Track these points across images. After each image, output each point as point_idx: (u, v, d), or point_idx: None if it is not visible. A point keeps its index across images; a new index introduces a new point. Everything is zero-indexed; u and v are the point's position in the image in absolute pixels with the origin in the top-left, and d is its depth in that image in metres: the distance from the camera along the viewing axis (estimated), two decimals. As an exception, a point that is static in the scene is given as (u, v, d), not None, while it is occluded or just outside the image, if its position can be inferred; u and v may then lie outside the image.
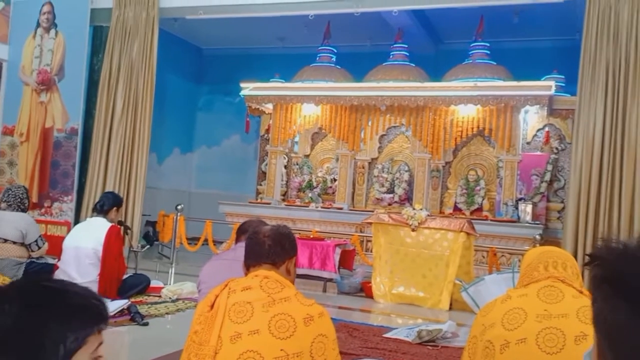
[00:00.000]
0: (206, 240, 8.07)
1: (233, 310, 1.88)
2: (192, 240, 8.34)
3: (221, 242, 8.76)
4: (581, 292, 1.99)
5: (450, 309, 6.05)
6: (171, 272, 7.04)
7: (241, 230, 3.07)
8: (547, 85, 8.05)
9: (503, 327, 1.93)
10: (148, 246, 9.19)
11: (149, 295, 5.69)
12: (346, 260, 7.25)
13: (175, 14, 8.70)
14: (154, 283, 6.00)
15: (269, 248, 2.06)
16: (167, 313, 5.13)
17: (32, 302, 1.03)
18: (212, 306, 1.93)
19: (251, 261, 2.08)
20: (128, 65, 8.39)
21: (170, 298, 5.61)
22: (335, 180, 9.67)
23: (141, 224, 8.81)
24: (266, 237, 2.09)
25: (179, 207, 7.74)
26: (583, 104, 6.46)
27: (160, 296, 5.67)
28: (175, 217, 7.79)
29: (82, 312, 1.07)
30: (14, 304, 1.02)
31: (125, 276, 5.57)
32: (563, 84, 8.60)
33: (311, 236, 7.61)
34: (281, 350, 1.80)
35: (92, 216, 5.36)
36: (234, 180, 11.63)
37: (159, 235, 9.12)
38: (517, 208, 8.10)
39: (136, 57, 8.37)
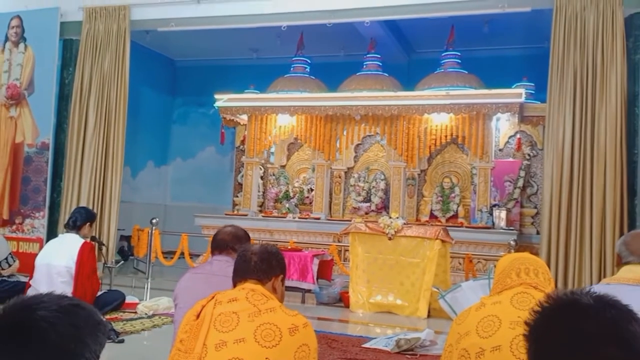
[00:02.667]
0: (182, 253, 7.98)
1: (219, 320, 1.92)
2: (168, 254, 8.24)
3: (198, 255, 8.68)
4: (553, 298, 2.02)
5: (429, 316, 6.08)
6: (147, 287, 6.93)
7: (215, 243, 3.04)
8: (518, 93, 8.19)
9: (478, 335, 1.95)
10: (123, 261, 9.05)
11: (124, 312, 5.61)
12: (324, 270, 7.24)
13: (146, 26, 8.64)
14: (129, 299, 5.91)
15: (255, 265, 2.11)
16: (143, 329, 5.05)
17: (74, 321, 1.10)
18: (198, 316, 1.96)
19: (238, 277, 2.13)
20: (100, 79, 8.30)
21: (146, 314, 5.53)
22: (312, 190, 9.67)
23: (116, 239, 8.68)
24: (253, 254, 2.14)
25: (153, 220, 7.64)
26: (552, 111, 6.59)
27: (135, 312, 5.59)
28: (150, 231, 7.68)
29: (103, 327, 1.17)
30: (58, 322, 1.08)
31: (99, 293, 5.48)
32: (533, 92, 8.77)
33: (289, 247, 7.58)
34: (266, 358, 1.84)
35: (64, 232, 5.26)
36: (209, 193, 11.55)
37: (134, 250, 8.98)
38: (491, 214, 8.20)
39: (108, 70, 8.28)
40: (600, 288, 2.63)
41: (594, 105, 6.42)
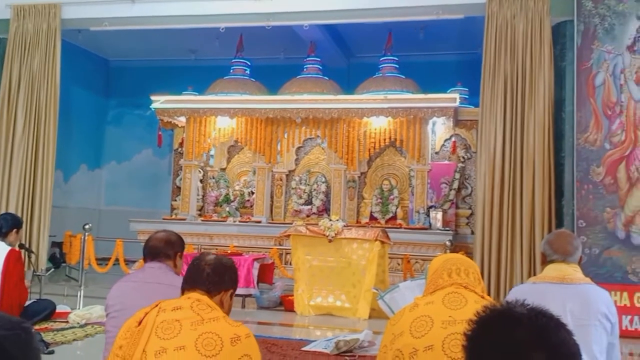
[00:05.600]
0: (117, 260, 7.74)
1: (161, 327, 1.90)
2: (103, 260, 7.98)
3: (134, 262, 8.43)
4: (482, 297, 2.09)
5: (369, 317, 6.14)
6: (80, 295, 6.67)
7: (147, 250, 2.94)
8: (452, 98, 8.45)
9: (411, 335, 1.99)
10: (54, 269, 8.68)
11: (55, 322, 5.40)
12: (265, 274, 7.21)
13: (78, 25, 8.35)
14: (60, 308, 5.69)
15: (207, 276, 2.09)
16: (75, 339, 4.87)
17: (28, 337, 1.08)
18: (140, 323, 1.93)
19: (187, 285, 2.10)
20: (29, 79, 7.95)
21: (78, 323, 5.34)
22: (252, 193, 9.60)
23: (47, 246, 8.32)
24: (207, 265, 2.12)
25: (86, 226, 7.37)
26: (484, 115, 6.82)
27: (67, 322, 5.39)
28: (82, 237, 7.41)
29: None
30: (18, 340, 1.06)
31: (28, 302, 5.24)
32: (467, 96, 9.07)
33: (229, 251, 7.49)
34: None
35: (-12, 240, 4.99)
36: (146, 197, 11.27)
37: (66, 257, 8.64)
38: (428, 215, 8.40)
39: (37, 70, 7.94)
40: (526, 287, 2.74)
41: (523, 110, 6.68)
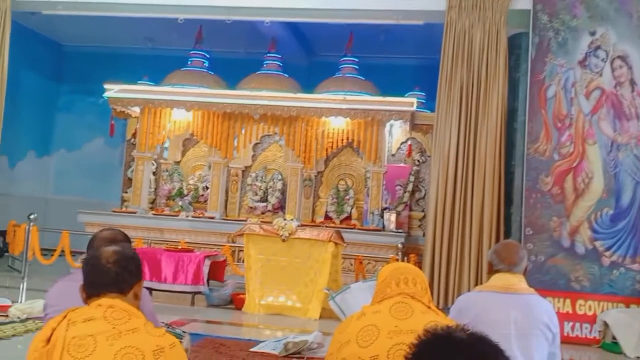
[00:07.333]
0: (63, 252, 7.50)
1: (73, 344, 1.70)
2: (49, 252, 7.71)
3: (81, 253, 8.18)
4: (429, 307, 2.12)
5: (321, 317, 6.15)
6: (22, 288, 6.43)
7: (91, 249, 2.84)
8: (410, 102, 8.54)
9: (357, 344, 1.99)
10: (-5, 259, 8.35)
11: (-7, 316, 5.18)
12: (217, 271, 7.11)
13: (30, 8, 8.04)
14: (0, 301, 5.46)
15: (117, 276, 1.87)
16: (14, 335, 4.69)
17: None
18: (48, 340, 1.73)
19: (94, 290, 1.86)
20: (-26, 60, 7.60)
21: (18, 317, 5.15)
22: (207, 188, 9.46)
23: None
24: (110, 263, 1.88)
25: (31, 216, 7.11)
26: (440, 120, 6.93)
27: (7, 316, 5.18)
28: (27, 227, 7.13)
29: None
30: None
31: (-37, 295, 5.03)
32: (424, 101, 9.19)
33: (179, 247, 7.36)
34: None
35: None
36: (96, 187, 10.96)
37: (9, 247, 8.31)
38: (382, 217, 8.48)
39: (-16, 51, 7.61)
40: (473, 295, 2.79)
41: (477, 118, 6.82)
